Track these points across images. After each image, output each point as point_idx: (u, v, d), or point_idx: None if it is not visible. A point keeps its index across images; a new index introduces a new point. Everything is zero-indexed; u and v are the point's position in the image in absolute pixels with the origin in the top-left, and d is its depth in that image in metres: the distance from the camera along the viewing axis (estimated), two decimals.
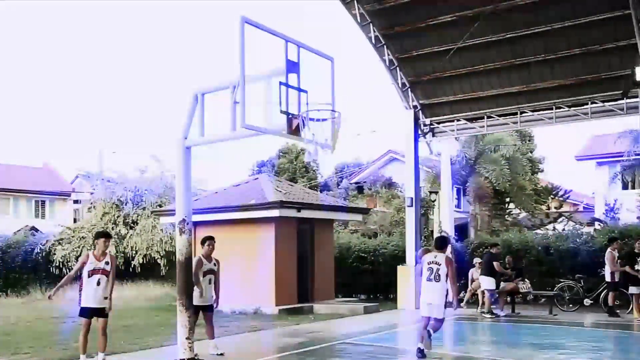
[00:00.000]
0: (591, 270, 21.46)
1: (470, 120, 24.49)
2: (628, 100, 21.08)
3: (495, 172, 38.07)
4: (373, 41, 22.63)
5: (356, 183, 48.21)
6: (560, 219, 40.67)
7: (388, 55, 23.11)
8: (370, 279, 26.84)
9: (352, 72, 77.15)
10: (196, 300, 12.69)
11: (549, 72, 22.17)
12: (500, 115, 23.84)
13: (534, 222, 40.50)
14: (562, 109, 22.51)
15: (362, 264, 27.05)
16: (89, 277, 11.37)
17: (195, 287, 12.65)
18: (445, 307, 12.87)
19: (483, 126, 24.45)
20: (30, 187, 52.32)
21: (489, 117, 23.91)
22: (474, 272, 21.93)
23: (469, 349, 13.64)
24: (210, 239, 13.06)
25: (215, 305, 13.23)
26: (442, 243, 13.54)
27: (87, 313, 11.51)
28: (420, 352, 12.50)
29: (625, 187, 40.02)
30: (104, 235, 12.22)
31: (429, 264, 12.73)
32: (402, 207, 30.08)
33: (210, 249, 12.99)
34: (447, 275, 12.56)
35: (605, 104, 21.77)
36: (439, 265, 12.56)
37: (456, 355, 13.34)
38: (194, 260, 12.93)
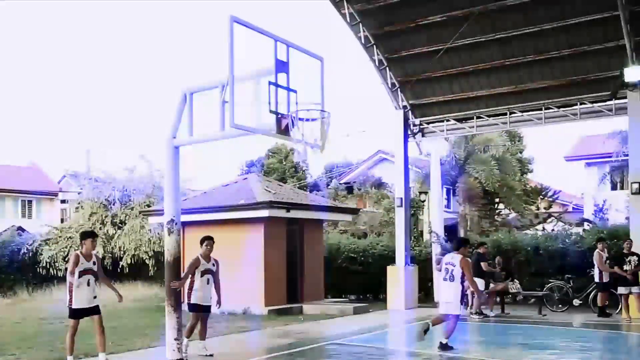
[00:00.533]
0: (580, 270, 21.49)
1: (460, 120, 24.50)
2: (617, 101, 21.18)
3: (485, 173, 38.09)
4: (363, 41, 22.60)
5: (346, 183, 48.15)
6: (549, 220, 40.83)
7: (377, 55, 23.09)
8: (359, 279, 26.78)
9: (342, 72, 77.24)
10: (194, 299, 12.69)
11: (538, 73, 22.23)
12: (489, 116, 23.88)
13: (523, 222, 40.60)
14: (551, 110, 22.56)
15: (352, 264, 27.00)
16: (79, 277, 11.29)
17: (193, 286, 12.67)
18: (462, 303, 13.48)
19: (473, 126, 24.47)
20: (16, 186, 52.03)
21: (478, 117, 23.95)
22: None
23: (458, 350, 13.61)
24: (209, 239, 12.95)
25: (218, 305, 13.13)
26: (457, 244, 14.07)
27: (79, 314, 11.44)
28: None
29: (614, 187, 40.35)
30: (92, 235, 12.17)
31: (445, 265, 13.45)
32: (392, 208, 30.07)
33: (208, 249, 12.88)
34: (462, 276, 13.12)
35: (594, 104, 21.86)
36: (454, 266, 13.21)
37: (445, 355, 13.30)
38: (192, 259, 12.89)
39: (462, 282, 13.23)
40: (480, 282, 20.10)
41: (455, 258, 13.32)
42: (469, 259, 13.99)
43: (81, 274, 11.33)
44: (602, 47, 20.55)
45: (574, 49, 21.03)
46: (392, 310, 22.47)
